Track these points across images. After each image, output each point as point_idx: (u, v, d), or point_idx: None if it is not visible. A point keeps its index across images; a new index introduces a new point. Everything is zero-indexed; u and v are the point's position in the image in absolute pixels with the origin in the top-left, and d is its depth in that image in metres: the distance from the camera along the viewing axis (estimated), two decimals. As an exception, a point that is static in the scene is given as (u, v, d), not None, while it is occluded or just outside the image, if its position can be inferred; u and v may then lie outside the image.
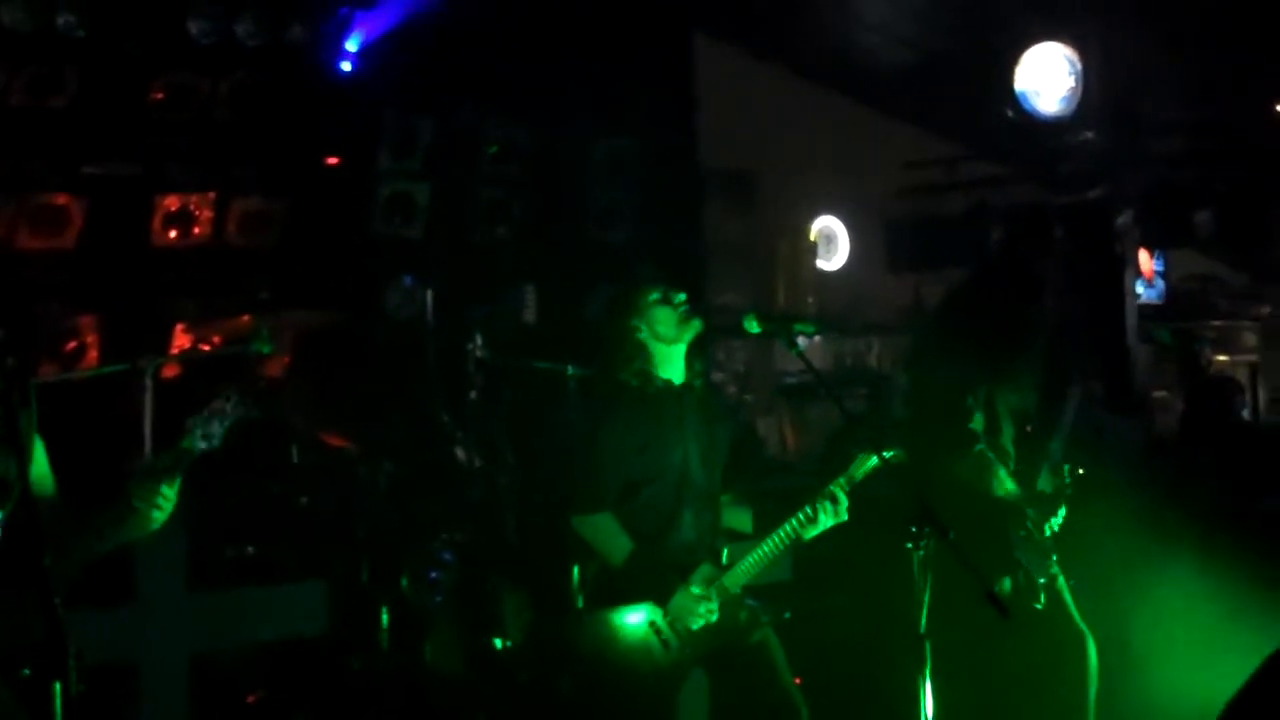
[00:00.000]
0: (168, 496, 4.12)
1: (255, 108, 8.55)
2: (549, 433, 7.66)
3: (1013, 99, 10.22)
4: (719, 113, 10.88)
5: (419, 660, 6.92)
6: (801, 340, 5.84)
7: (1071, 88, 10.10)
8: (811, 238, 13.10)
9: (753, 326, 5.77)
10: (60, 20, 7.75)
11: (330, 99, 8.84)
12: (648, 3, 10.03)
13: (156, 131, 8.19)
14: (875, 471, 5.58)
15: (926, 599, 4.79)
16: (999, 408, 6.48)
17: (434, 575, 6.94)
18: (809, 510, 5.59)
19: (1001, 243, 9.89)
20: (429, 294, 8.59)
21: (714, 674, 5.83)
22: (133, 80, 8.19)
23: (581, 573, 6.75)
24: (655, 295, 5.77)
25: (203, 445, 4.09)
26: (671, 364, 5.88)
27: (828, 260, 13.33)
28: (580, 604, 6.80)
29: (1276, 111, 10.86)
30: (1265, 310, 13.69)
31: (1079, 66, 9.98)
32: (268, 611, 6.18)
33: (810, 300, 12.88)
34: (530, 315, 9.49)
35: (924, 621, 4.78)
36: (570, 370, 7.26)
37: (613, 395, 5.90)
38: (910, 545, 4.90)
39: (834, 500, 5.60)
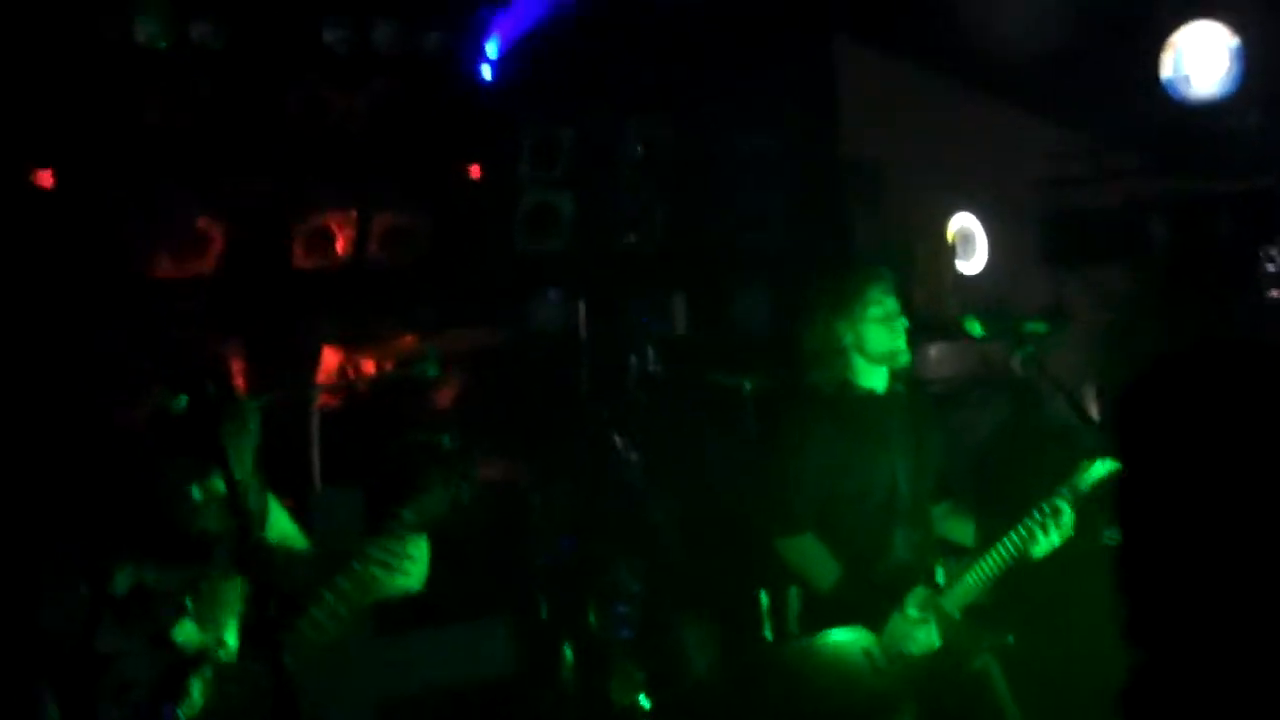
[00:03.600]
0: (414, 557, 3.77)
1: (393, 119, 8.17)
2: (725, 451, 7.24)
3: (1161, 82, 9.70)
4: (852, 110, 10.50)
5: (604, 699, 6.51)
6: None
7: (1228, 68, 9.55)
8: (949, 238, 12.59)
9: (975, 329, 5.36)
10: (195, 31, 7.42)
11: (469, 108, 8.47)
12: (786, 2, 9.61)
13: (294, 147, 7.83)
14: (1106, 481, 5.13)
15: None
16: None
17: (621, 609, 6.53)
18: (1028, 525, 5.16)
19: (1194, 235, 9.36)
20: (581, 307, 8.21)
21: (929, 704, 5.39)
22: (268, 93, 7.84)
23: (773, 599, 6.37)
24: (877, 311, 5.33)
25: (449, 500, 3.75)
26: (873, 374, 5.45)
27: (966, 260, 12.78)
28: (768, 631, 6.42)
29: None
30: None
31: (1236, 44, 9.43)
32: (452, 653, 5.81)
33: (951, 302, 12.37)
34: (680, 325, 9.07)
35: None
36: (747, 384, 6.82)
37: (806, 405, 5.50)
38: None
39: (1056, 513, 5.16)
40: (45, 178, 7.18)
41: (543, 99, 8.70)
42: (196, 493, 3.71)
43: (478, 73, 8.44)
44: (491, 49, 8.43)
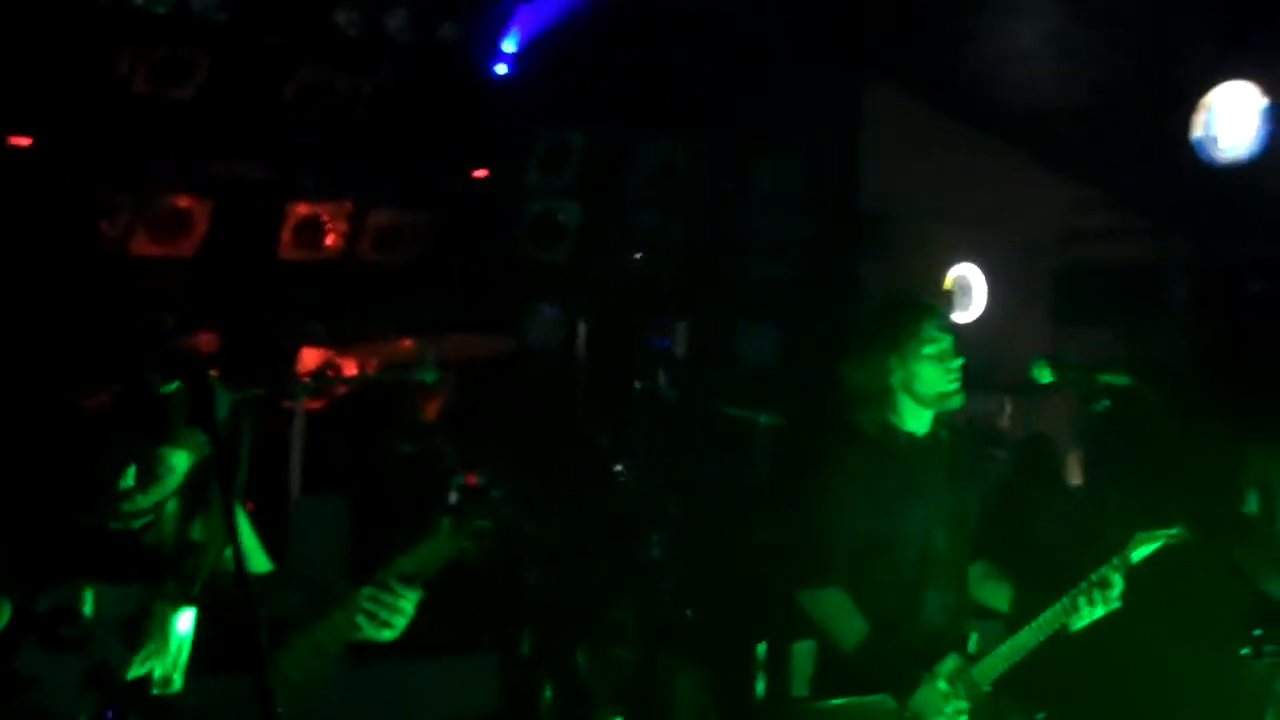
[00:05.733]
0: (403, 611, 3.30)
1: (399, 110, 7.74)
2: (735, 488, 6.79)
3: (1184, 141, 9.44)
4: (872, 151, 10.25)
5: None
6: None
7: (1258, 129, 9.29)
8: (948, 286, 12.25)
9: (1044, 375, 4.91)
10: (196, 2, 6.96)
11: (480, 105, 8.05)
12: (817, 32, 9.28)
13: (291, 131, 7.41)
14: (1156, 553, 4.70)
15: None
16: (1274, 485, 5.60)
17: (615, 652, 6.05)
18: (1075, 596, 4.71)
19: (1260, 296, 9.02)
20: (582, 326, 7.77)
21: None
22: (269, 72, 7.41)
23: (772, 652, 5.93)
24: (931, 349, 4.86)
25: (453, 553, 3.29)
26: (917, 418, 4.98)
27: (963, 311, 12.44)
28: (762, 685, 5.98)
29: None
30: None
31: (1267, 105, 9.17)
32: (429, 688, 5.32)
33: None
34: (681, 352, 8.63)
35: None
36: (763, 419, 6.38)
37: (844, 444, 5.02)
38: (1249, 651, 4.03)
39: (1105, 585, 4.71)
40: (21, 140, 6.73)
41: (558, 103, 8.30)
42: (130, 478, 3.23)
43: (492, 68, 8.03)
44: (510, 43, 8.01)
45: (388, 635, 3.36)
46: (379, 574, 3.32)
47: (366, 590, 3.32)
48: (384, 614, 3.32)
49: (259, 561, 3.69)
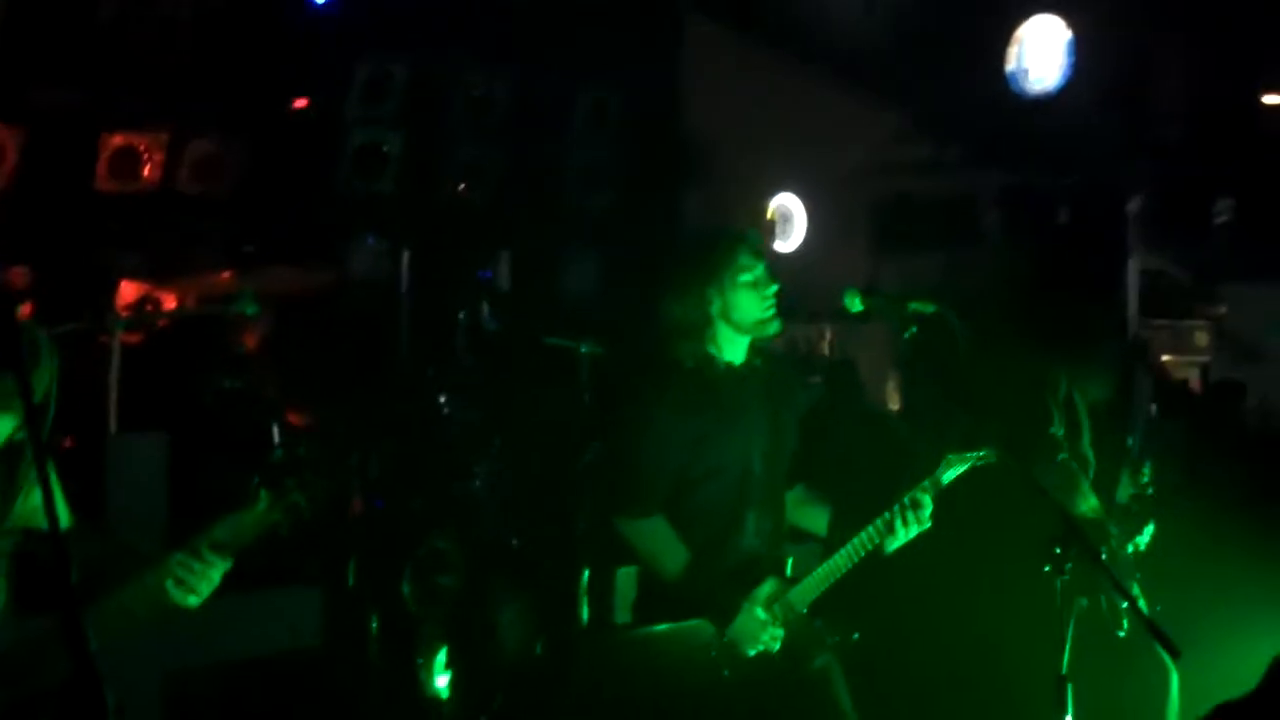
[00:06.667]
0: (212, 580, 3.29)
1: (219, 37, 7.58)
2: (557, 419, 6.82)
3: (999, 74, 9.66)
4: (691, 80, 10.30)
5: (411, 676, 6.06)
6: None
7: (1064, 62, 9.55)
8: (769, 215, 12.41)
9: (855, 305, 4.99)
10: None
11: (301, 33, 7.91)
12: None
13: (107, 58, 7.21)
14: (965, 475, 4.84)
15: (1070, 634, 4.07)
16: (1078, 406, 5.79)
17: (439, 581, 6.07)
18: (887, 518, 4.82)
19: (1069, 226, 9.23)
20: (405, 256, 7.73)
21: (767, 703, 5.03)
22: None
23: (595, 579, 6.01)
24: (747, 276, 4.93)
25: (268, 525, 3.29)
26: (735, 347, 5.06)
27: (784, 240, 12.62)
28: (586, 612, 6.04)
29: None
30: (1220, 310, 13.22)
31: (1071, 38, 9.42)
32: (250, 622, 5.27)
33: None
34: (504, 282, 8.63)
35: (1067, 661, 4.06)
36: (584, 349, 6.42)
37: (663, 377, 5.07)
38: (1050, 568, 4.18)
39: (917, 506, 4.84)
40: None
41: (379, 32, 8.18)
42: None
43: (314, -5, 7.92)
44: (331, -30, 7.92)
45: (193, 602, 3.36)
46: (192, 540, 3.32)
47: (178, 556, 3.31)
48: (192, 581, 3.31)
49: (61, 515, 3.63)
